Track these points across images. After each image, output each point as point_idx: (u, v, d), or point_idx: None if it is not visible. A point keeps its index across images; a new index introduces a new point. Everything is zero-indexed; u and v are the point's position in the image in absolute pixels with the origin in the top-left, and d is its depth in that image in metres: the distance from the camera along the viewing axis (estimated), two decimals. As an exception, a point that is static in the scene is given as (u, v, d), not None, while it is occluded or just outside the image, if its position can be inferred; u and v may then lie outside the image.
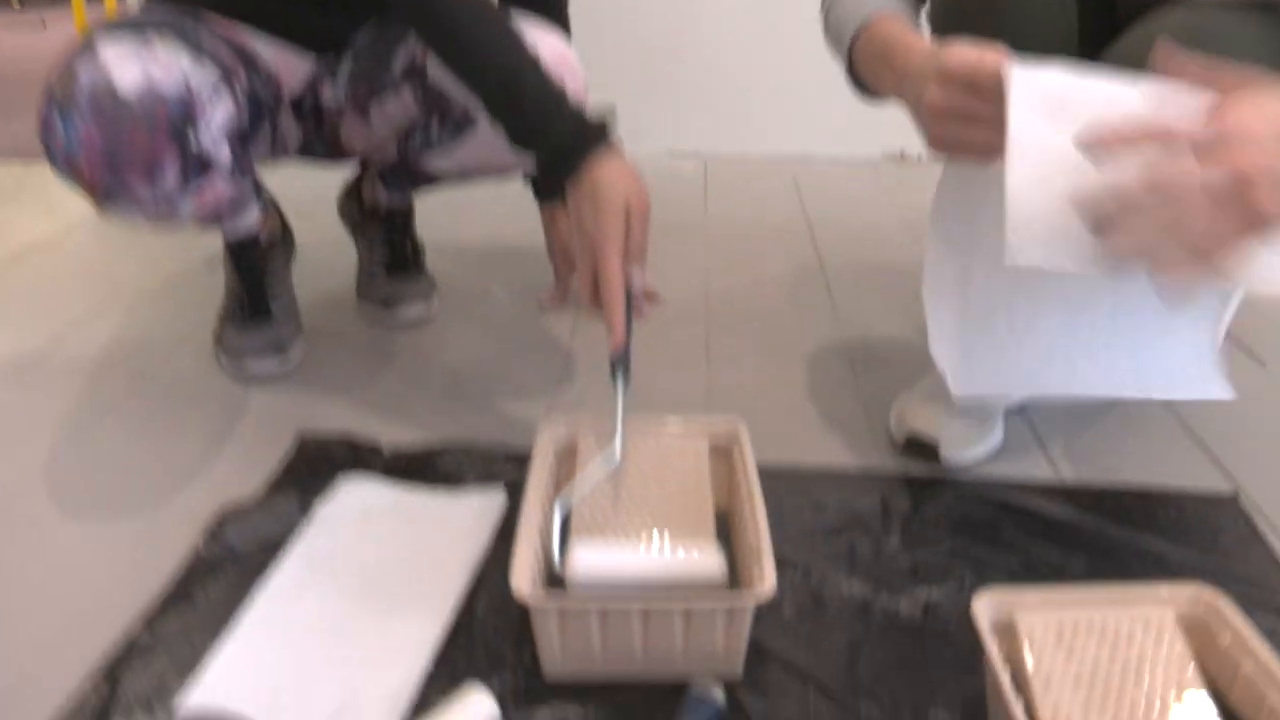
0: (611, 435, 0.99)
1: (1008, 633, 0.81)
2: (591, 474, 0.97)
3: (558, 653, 0.85)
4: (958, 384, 1.06)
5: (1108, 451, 1.22)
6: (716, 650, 0.86)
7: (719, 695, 0.82)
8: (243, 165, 1.21)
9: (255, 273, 1.39)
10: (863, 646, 0.91)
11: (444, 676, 0.87)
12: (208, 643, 0.90)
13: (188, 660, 0.88)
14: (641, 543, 0.93)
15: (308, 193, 1.78)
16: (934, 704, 0.85)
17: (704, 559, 0.90)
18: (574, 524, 0.95)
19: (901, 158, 2.43)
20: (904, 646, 0.92)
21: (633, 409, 1.03)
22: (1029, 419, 1.28)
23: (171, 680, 0.86)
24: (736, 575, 0.93)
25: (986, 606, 0.82)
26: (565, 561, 0.88)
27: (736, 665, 0.88)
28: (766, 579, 0.84)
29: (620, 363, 1.00)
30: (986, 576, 0.99)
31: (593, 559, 0.88)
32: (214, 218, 1.22)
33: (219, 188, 1.17)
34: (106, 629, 0.93)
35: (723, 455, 1.06)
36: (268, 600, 0.95)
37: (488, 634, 0.92)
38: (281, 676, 0.86)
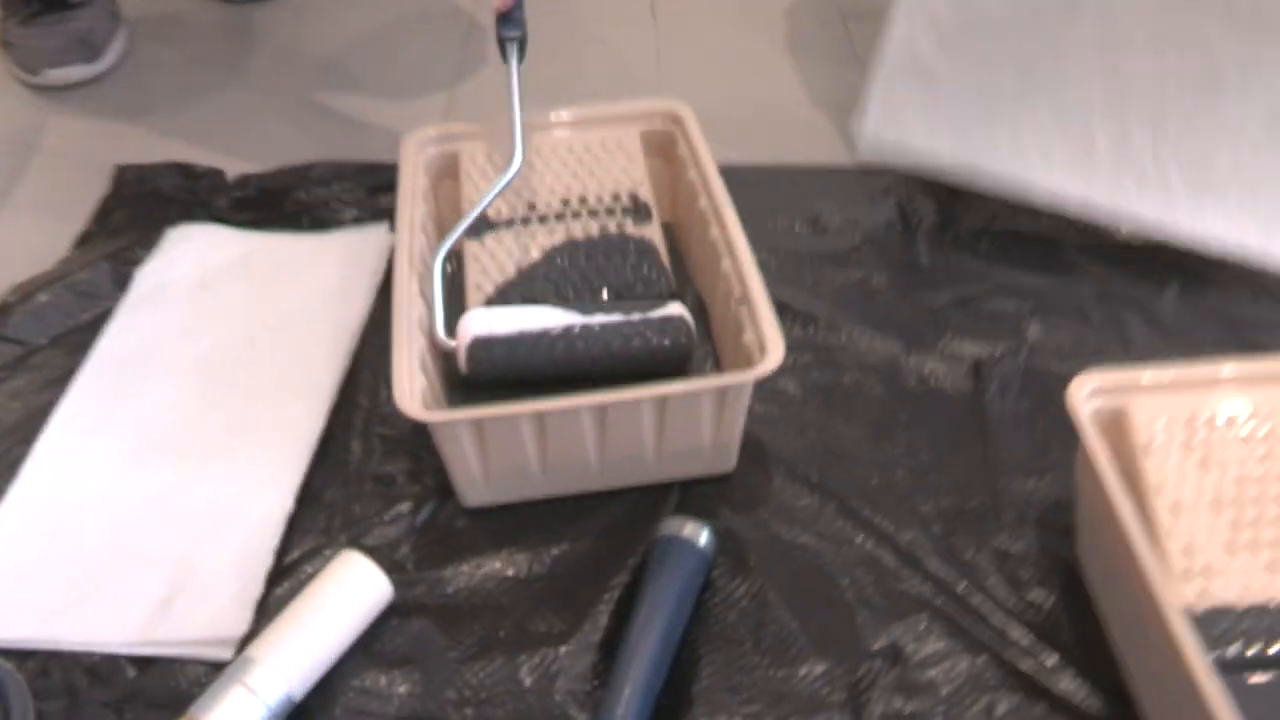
0: (509, 134, 0.70)
1: (1114, 425, 0.56)
2: (484, 199, 0.68)
3: (477, 476, 0.60)
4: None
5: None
6: (701, 446, 0.62)
7: (701, 536, 0.58)
8: None
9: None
10: (895, 434, 0.67)
11: (315, 528, 0.62)
12: (-9, 492, 0.64)
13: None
14: (561, 296, 0.67)
15: None
16: (999, 522, 0.62)
17: (659, 312, 0.64)
18: (468, 276, 0.68)
19: None
20: (951, 432, 0.67)
21: (550, 93, 0.75)
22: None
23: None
24: (707, 323, 0.68)
25: (1086, 392, 0.56)
26: (457, 333, 0.63)
27: (728, 460, 0.64)
28: (770, 346, 0.59)
29: (510, 26, 0.69)
30: (1051, 319, 0.74)
31: (491, 322, 0.63)
32: None
33: None
34: None
35: (660, 151, 0.77)
36: (61, 432, 0.68)
37: (374, 450, 0.66)
38: (85, 553, 0.61)
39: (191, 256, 0.80)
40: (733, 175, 0.70)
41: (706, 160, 0.71)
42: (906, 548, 0.60)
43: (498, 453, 0.59)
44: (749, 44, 1.05)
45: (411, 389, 0.57)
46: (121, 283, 0.78)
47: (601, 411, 0.57)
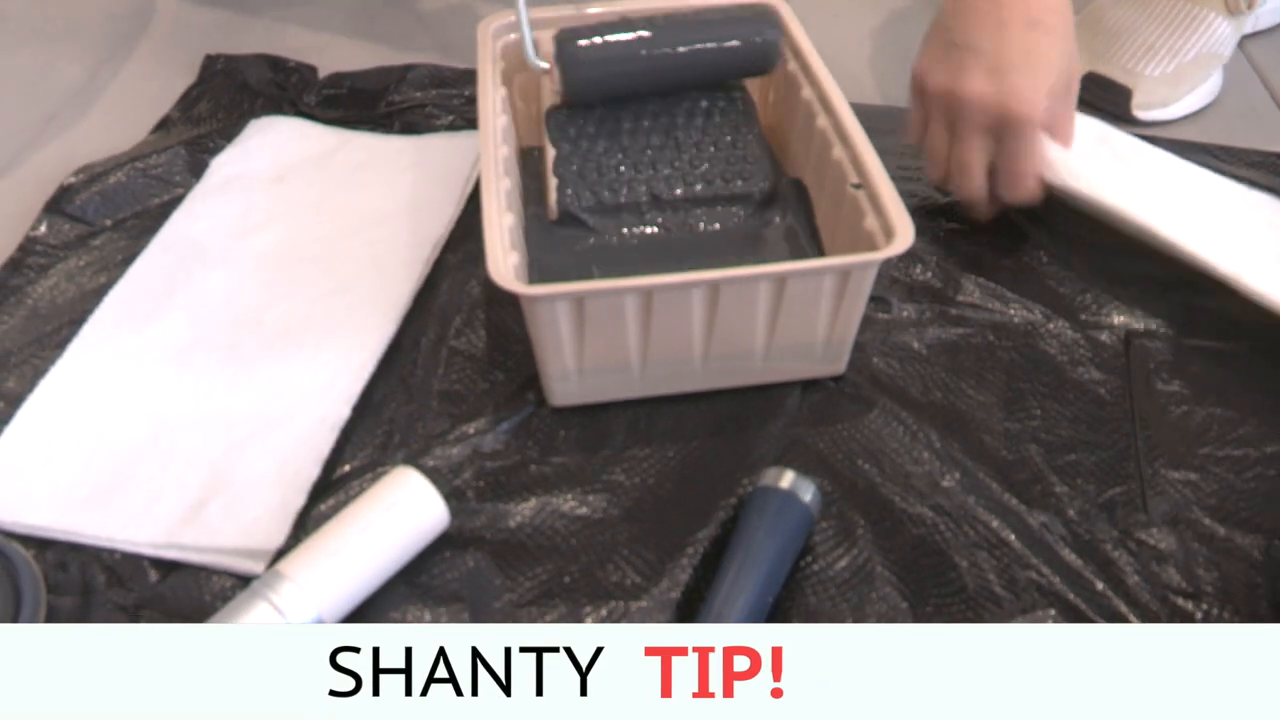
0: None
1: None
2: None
3: (570, 366, 0.54)
4: None
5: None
6: (814, 342, 0.56)
7: (806, 491, 0.50)
8: None
9: None
10: (1030, 406, 0.58)
11: (371, 442, 0.56)
12: (31, 375, 0.59)
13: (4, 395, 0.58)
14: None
15: None
16: (1146, 515, 0.53)
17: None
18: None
19: None
20: (1095, 409, 0.58)
21: None
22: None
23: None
24: (811, 221, 0.63)
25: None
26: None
27: (839, 360, 0.58)
28: (897, 227, 0.52)
29: None
30: (1212, 290, 0.64)
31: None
32: None
33: None
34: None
35: None
36: (112, 316, 0.63)
37: (446, 365, 0.60)
38: (120, 444, 0.55)
39: (271, 148, 0.74)
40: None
41: (808, 50, 0.66)
42: (1037, 531, 0.52)
43: (596, 336, 0.53)
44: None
45: (506, 262, 0.51)
46: (197, 170, 0.73)
47: (714, 290, 0.52)
